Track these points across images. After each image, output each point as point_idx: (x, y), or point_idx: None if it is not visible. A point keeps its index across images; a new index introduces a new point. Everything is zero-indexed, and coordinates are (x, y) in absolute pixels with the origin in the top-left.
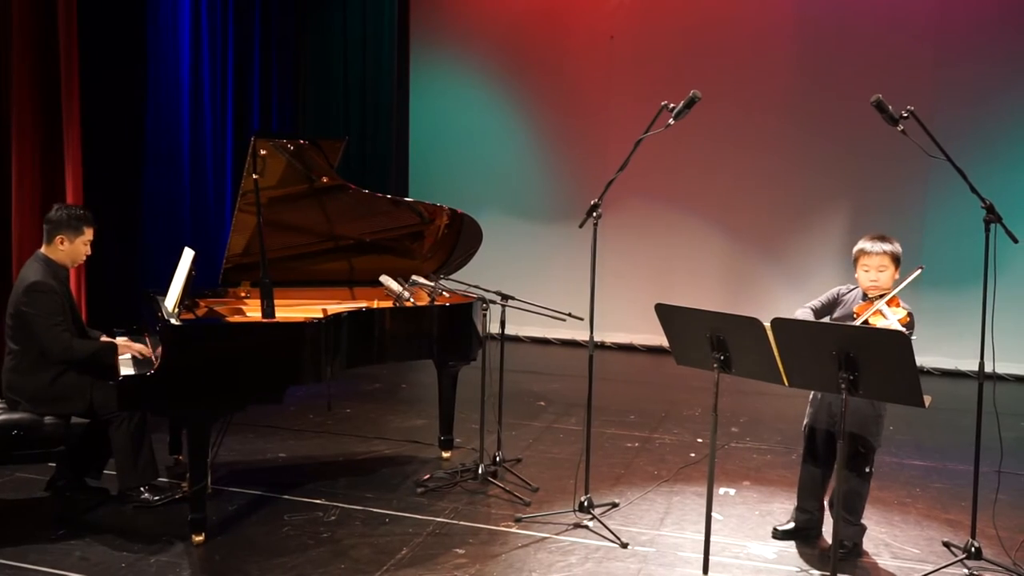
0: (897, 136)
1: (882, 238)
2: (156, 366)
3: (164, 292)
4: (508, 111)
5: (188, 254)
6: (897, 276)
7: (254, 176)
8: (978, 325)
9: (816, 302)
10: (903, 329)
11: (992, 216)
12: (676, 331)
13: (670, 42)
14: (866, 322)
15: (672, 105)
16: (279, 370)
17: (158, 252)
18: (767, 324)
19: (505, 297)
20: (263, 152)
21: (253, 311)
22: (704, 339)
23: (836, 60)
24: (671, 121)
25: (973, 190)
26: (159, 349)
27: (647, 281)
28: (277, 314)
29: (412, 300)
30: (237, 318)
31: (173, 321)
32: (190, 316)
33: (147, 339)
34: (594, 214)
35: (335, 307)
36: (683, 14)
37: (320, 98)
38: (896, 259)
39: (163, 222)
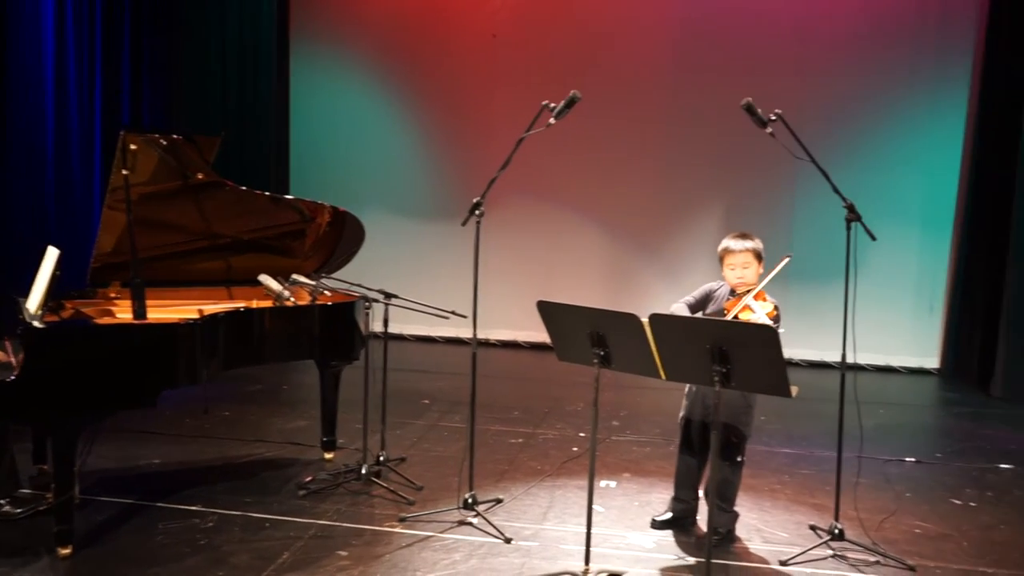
0: (768, 139)
1: (744, 236)
2: (17, 372)
3: (27, 294)
4: (391, 109)
5: (52, 253)
6: (761, 271)
7: (124, 172)
8: (841, 318)
9: (690, 297)
10: (771, 323)
11: (853, 215)
12: (557, 328)
13: (552, 41)
14: (736, 317)
15: (553, 105)
16: (152, 373)
17: (19, 252)
18: (645, 320)
19: (388, 296)
20: (133, 147)
21: (124, 312)
22: (584, 335)
23: (712, 65)
24: (552, 120)
25: (835, 190)
26: (20, 354)
27: (530, 278)
28: (150, 315)
29: (293, 299)
30: (106, 320)
31: (35, 324)
32: (54, 318)
33: (7, 343)
34: (476, 212)
35: (212, 307)
36: (564, 14)
37: (196, 93)
38: (759, 255)
39: (25, 220)
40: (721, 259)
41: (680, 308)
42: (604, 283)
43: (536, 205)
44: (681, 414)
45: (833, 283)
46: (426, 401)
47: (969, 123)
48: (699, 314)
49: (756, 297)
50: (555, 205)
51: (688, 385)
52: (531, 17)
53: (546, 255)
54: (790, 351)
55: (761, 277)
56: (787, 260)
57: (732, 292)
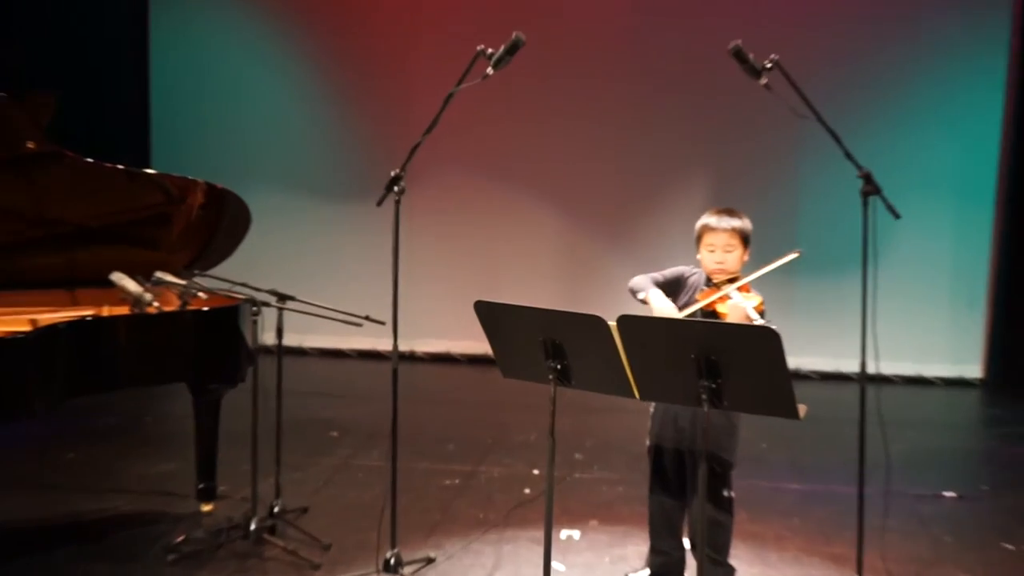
0: (761, 96)
1: (729, 212)
2: None
3: None
4: (284, 61)
5: None
6: (746, 259)
7: None
8: (859, 318)
9: (659, 275)
10: (757, 317)
11: (870, 187)
12: (502, 335)
13: None
14: (712, 310)
15: (490, 51)
16: None
17: None
18: (612, 323)
19: (283, 298)
20: None
21: None
22: (536, 344)
23: (688, 9)
24: (490, 71)
25: (848, 156)
26: None
27: (467, 273)
28: None
29: (157, 304)
30: None
31: None
32: None
33: None
34: (395, 188)
35: (49, 316)
36: None
37: (29, 41)
38: (745, 238)
39: None
40: (698, 239)
41: (644, 282)
42: (561, 278)
43: (475, 181)
44: (648, 442)
45: (848, 274)
46: (334, 433)
47: (1011, 77)
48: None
49: (739, 290)
50: (499, 181)
51: (653, 404)
52: None
53: (488, 244)
54: (797, 360)
55: (746, 268)
56: (795, 256)
57: (708, 281)
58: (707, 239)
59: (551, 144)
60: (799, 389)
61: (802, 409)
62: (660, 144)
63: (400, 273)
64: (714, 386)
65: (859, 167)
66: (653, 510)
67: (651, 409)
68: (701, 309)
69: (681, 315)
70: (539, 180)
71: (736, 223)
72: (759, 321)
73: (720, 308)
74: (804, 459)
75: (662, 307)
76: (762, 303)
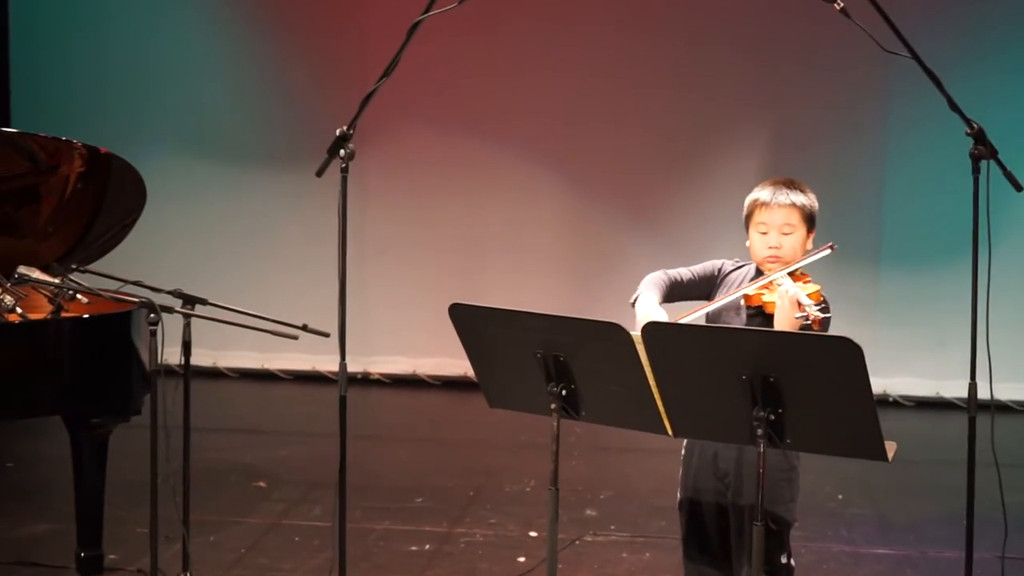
0: (834, 31)
1: (789, 184)
2: None
3: None
4: None
5: None
6: (809, 245)
7: None
8: (968, 327)
9: (686, 271)
10: (811, 304)
11: (982, 149)
12: (487, 350)
13: None
14: (758, 305)
15: None
16: None
17: None
18: (636, 334)
19: (190, 301)
20: None
21: None
22: (534, 362)
23: None
24: None
25: (953, 107)
26: None
27: (440, 268)
28: None
29: (20, 310)
30: None
31: None
32: None
33: None
34: (341, 152)
35: None
36: None
37: None
38: (808, 217)
39: None
40: (748, 218)
41: (648, 282)
42: (567, 274)
43: (451, 145)
44: (680, 494)
45: (950, 265)
46: (261, 483)
47: None
48: (708, 306)
49: (795, 279)
50: (485, 145)
51: (686, 442)
52: None
53: (468, 228)
54: (882, 382)
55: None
56: (828, 251)
57: (758, 272)
58: (759, 217)
59: (555, 98)
60: (885, 420)
61: (890, 448)
62: (701, 101)
63: (349, 267)
64: (773, 417)
65: (969, 122)
66: None
67: (682, 450)
68: (743, 302)
69: (707, 308)
70: (539, 144)
71: (797, 197)
72: (814, 310)
73: (766, 298)
74: (892, 514)
75: (648, 314)
76: (819, 291)
